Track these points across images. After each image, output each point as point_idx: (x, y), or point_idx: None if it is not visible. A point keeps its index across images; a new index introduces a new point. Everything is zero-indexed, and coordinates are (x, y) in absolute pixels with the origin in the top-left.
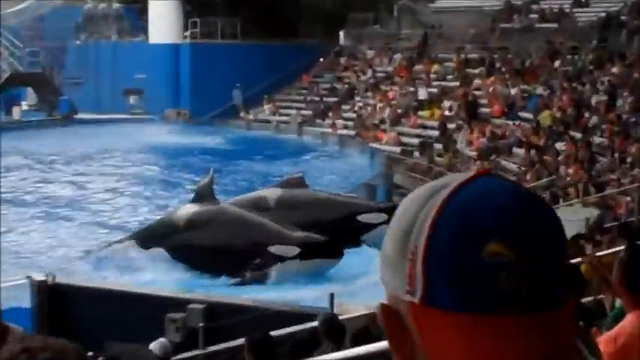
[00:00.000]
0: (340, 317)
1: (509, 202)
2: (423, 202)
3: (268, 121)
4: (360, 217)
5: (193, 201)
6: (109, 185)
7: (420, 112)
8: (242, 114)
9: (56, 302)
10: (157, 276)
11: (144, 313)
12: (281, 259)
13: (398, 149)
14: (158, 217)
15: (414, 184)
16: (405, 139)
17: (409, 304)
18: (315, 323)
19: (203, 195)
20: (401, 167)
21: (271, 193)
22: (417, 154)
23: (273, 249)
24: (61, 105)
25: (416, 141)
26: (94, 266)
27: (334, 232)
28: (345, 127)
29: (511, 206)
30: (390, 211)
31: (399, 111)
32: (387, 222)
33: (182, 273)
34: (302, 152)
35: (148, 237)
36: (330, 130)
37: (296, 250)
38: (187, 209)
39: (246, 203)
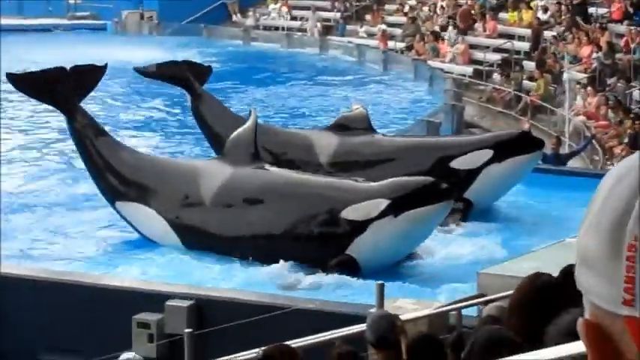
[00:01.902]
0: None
1: None
2: None
3: (276, 28)
4: (454, 164)
5: (221, 158)
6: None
7: (502, 15)
8: (236, 17)
9: None
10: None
11: (101, 313)
12: (363, 225)
13: (469, 69)
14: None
15: (494, 121)
16: (478, 55)
17: (627, 318)
18: (358, 328)
19: (238, 150)
20: (474, 96)
21: (320, 143)
22: (497, 76)
23: (349, 212)
24: None
25: (496, 57)
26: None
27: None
28: (391, 36)
29: None
30: (501, 144)
31: (472, 12)
32: (496, 159)
33: (199, 262)
34: (326, 74)
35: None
36: (367, 42)
37: (384, 204)
38: (212, 173)
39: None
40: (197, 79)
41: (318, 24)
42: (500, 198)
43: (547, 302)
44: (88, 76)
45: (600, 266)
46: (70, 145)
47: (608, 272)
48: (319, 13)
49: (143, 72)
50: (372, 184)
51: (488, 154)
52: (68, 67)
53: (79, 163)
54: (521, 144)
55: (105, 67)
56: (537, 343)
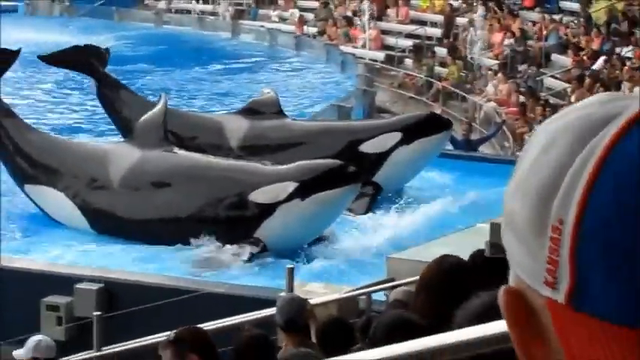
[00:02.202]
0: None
1: None
2: (577, 144)
3: (189, 12)
4: (363, 147)
5: (130, 141)
6: None
7: (414, 1)
8: (148, 0)
9: None
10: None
11: (9, 296)
12: (270, 207)
13: (381, 55)
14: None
15: (405, 106)
16: (390, 41)
17: (548, 299)
18: (268, 312)
19: (147, 133)
20: (386, 82)
21: (230, 126)
22: (409, 62)
23: (257, 195)
24: None
25: (408, 43)
26: None
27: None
28: (304, 21)
29: None
30: (409, 126)
31: None
32: (404, 141)
33: (108, 245)
34: (238, 58)
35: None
36: (279, 26)
37: (291, 186)
38: (120, 156)
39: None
40: (99, 62)
41: (230, 8)
42: (410, 180)
43: (455, 284)
44: (0, 60)
45: (523, 236)
46: None
47: (531, 246)
48: None
49: (47, 59)
50: (280, 167)
51: (396, 136)
52: None
53: None
54: (429, 125)
55: (18, 51)
56: (444, 326)
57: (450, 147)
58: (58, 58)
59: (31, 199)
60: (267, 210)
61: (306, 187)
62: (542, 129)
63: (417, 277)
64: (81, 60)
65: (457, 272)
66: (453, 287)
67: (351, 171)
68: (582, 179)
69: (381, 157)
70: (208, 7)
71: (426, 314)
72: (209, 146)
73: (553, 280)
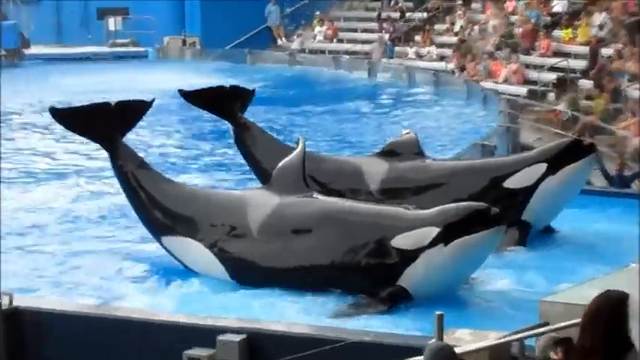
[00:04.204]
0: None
1: None
2: None
3: (322, 52)
4: (508, 183)
5: (268, 187)
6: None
7: (556, 32)
8: (281, 41)
9: (16, 338)
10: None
11: (151, 349)
12: (413, 254)
13: (524, 90)
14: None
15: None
16: (533, 75)
17: None
18: None
19: (286, 179)
20: (529, 117)
21: (369, 170)
22: (552, 96)
23: (400, 241)
24: (4, 35)
25: (551, 77)
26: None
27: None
28: (441, 57)
29: None
30: (553, 155)
31: (522, 30)
32: (550, 172)
33: (248, 295)
34: (375, 97)
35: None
36: (417, 63)
37: (434, 231)
38: (259, 204)
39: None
40: (240, 105)
41: (381, 44)
42: (559, 214)
43: (624, 317)
44: (133, 111)
45: None
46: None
47: None
48: (384, 36)
49: (186, 95)
50: (422, 211)
51: (541, 168)
52: (113, 101)
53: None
54: (573, 151)
55: (152, 102)
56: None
57: (599, 183)
58: (195, 96)
59: (168, 252)
60: (410, 256)
61: (450, 232)
62: None
63: (574, 321)
64: (218, 101)
65: (625, 305)
66: (622, 320)
67: (495, 213)
68: None
69: (528, 192)
70: (345, 46)
71: (596, 348)
72: (348, 190)
73: None
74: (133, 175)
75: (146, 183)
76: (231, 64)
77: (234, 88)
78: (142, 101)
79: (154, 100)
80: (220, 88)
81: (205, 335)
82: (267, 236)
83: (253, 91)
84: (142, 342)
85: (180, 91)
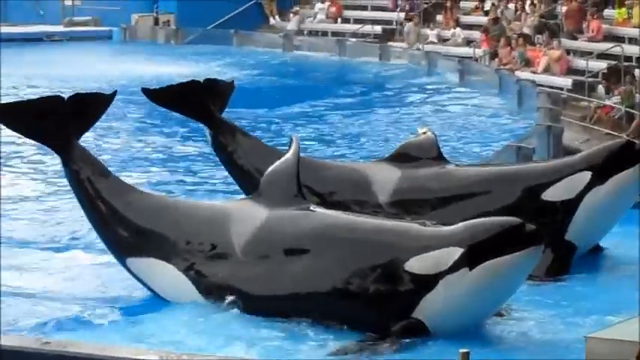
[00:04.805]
0: None
1: None
2: None
3: (324, 33)
4: (546, 195)
5: (255, 198)
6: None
7: (608, 12)
8: (273, 20)
9: None
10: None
11: None
12: (431, 279)
13: (568, 81)
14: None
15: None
16: (579, 64)
17: None
18: None
19: (276, 187)
20: (575, 115)
21: (378, 178)
22: (602, 89)
23: (415, 264)
24: None
25: (601, 65)
26: None
27: None
28: (468, 41)
29: None
30: (606, 160)
31: (566, 9)
32: (596, 181)
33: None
34: (385, 88)
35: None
36: (439, 48)
37: (457, 252)
38: (244, 218)
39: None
40: (218, 102)
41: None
42: (609, 231)
43: None
44: (90, 107)
45: None
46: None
47: None
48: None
49: (150, 94)
50: (442, 228)
51: (585, 177)
52: (66, 94)
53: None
54: (624, 156)
55: (113, 95)
56: None
57: None
58: (165, 95)
59: (134, 276)
60: (427, 283)
61: (476, 253)
62: None
63: None
64: (194, 100)
65: None
66: None
67: (531, 230)
68: None
69: (571, 205)
70: (351, 26)
71: None
72: (353, 202)
73: None
74: (91, 184)
75: (107, 193)
76: (213, 47)
77: (209, 81)
78: (102, 94)
79: (115, 92)
80: (192, 83)
81: None
82: (253, 257)
83: (232, 83)
84: None
85: (143, 90)
